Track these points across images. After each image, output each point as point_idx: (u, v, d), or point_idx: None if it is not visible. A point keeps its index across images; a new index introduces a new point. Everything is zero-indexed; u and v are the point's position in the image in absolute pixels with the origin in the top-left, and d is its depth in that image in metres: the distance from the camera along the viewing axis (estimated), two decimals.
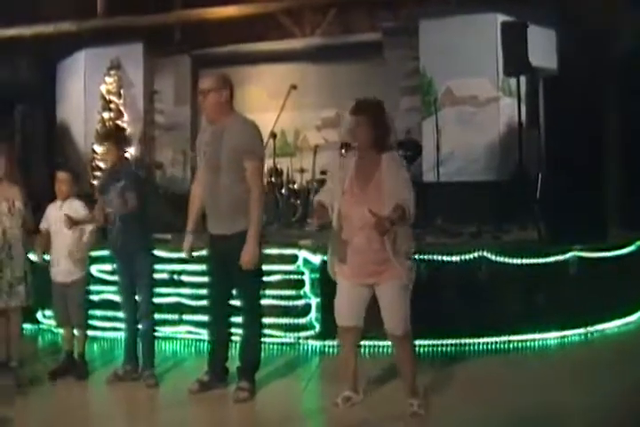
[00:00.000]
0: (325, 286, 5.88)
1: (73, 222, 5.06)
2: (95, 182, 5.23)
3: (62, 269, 5.20)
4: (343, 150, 8.97)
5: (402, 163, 4.22)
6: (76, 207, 5.22)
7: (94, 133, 11.29)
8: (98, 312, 6.24)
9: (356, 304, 4.21)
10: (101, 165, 10.50)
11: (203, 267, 5.18)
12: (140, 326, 5.10)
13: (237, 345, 4.87)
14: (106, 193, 5.09)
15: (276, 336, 6.07)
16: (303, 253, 6.08)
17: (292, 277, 6.10)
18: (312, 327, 6.02)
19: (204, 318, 5.65)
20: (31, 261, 5.31)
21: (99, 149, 10.74)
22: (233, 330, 4.94)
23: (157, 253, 6.46)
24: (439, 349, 5.81)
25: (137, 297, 5.08)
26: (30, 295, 5.24)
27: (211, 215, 4.74)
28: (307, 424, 4.46)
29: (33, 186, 5.77)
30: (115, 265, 5.22)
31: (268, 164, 9.47)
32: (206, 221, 4.81)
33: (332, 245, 4.31)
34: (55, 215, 5.24)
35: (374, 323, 4.24)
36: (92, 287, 5.49)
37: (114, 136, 5.36)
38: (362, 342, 4.93)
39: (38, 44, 11.39)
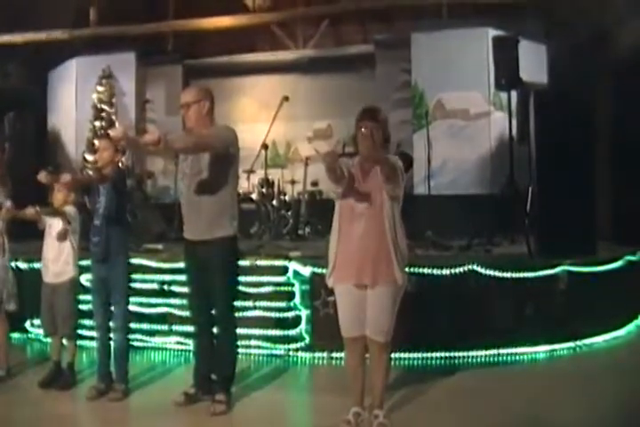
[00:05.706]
0: (315, 298, 5.92)
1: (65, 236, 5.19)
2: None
3: (51, 272, 5.22)
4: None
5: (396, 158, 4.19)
6: (72, 215, 5.24)
7: (86, 142, 11.26)
8: (87, 322, 6.20)
9: (357, 312, 4.08)
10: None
11: None
12: (113, 339, 5.03)
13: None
14: (92, 192, 5.10)
15: (266, 348, 6.07)
16: (293, 265, 6.09)
17: (282, 288, 6.11)
18: (302, 339, 6.01)
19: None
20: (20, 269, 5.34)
21: (90, 157, 10.72)
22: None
23: (148, 263, 6.49)
24: (428, 362, 5.81)
25: (112, 308, 5.02)
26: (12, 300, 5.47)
27: (191, 221, 4.71)
28: None
29: (22, 194, 5.76)
30: (91, 273, 5.17)
31: (260, 174, 9.51)
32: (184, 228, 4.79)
33: (330, 253, 4.21)
34: (51, 220, 5.26)
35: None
36: (82, 297, 5.44)
37: None
38: None
39: (30, 51, 11.37)
